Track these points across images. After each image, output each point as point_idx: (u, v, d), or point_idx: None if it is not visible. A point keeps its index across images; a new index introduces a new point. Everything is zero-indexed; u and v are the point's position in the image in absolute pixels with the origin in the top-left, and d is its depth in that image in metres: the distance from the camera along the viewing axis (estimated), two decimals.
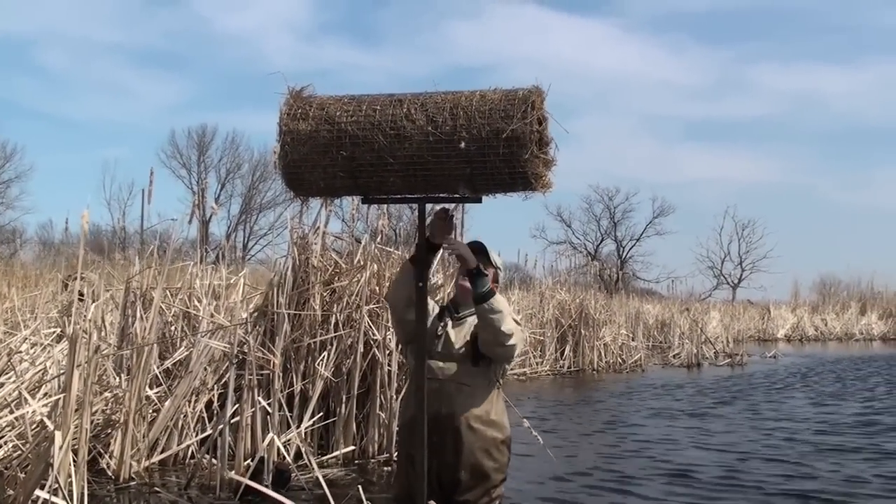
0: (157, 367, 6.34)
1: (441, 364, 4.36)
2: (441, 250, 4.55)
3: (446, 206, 4.34)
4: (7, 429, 5.62)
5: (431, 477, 4.38)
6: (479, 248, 4.70)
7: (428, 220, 4.50)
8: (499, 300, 4.23)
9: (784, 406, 10.71)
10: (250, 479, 5.23)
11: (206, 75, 70.21)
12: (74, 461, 4.99)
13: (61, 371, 5.52)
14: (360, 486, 4.58)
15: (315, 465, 5.47)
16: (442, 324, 4.47)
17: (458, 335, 4.46)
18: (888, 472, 6.65)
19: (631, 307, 20.81)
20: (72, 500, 4.71)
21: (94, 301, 6.37)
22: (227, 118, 79.99)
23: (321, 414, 6.47)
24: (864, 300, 37.51)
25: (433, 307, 4.61)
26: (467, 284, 4.43)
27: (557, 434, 8.36)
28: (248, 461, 5.70)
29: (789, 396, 11.79)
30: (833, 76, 73.25)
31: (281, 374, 6.23)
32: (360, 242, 7.01)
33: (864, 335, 33.37)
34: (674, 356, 19.47)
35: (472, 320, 4.48)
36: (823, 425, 9.03)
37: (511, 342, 4.26)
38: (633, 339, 18.33)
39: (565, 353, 16.22)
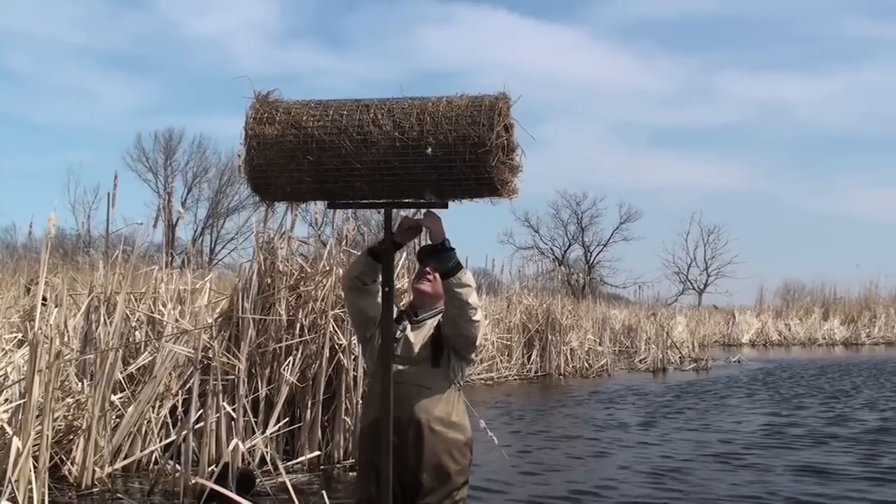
0: (121, 373, 6.28)
1: (400, 367, 4.39)
2: (401, 248, 4.58)
3: (415, 218, 4.38)
4: None
5: (393, 481, 4.39)
6: (434, 249, 4.76)
7: (397, 222, 4.51)
8: (467, 275, 4.29)
9: (731, 416, 10.37)
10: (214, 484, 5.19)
11: (173, 79, 69.64)
12: (35, 467, 4.93)
13: (22, 377, 5.44)
14: (324, 492, 4.57)
15: (283, 469, 5.45)
16: (400, 327, 4.50)
17: (417, 338, 4.50)
18: (797, 492, 6.21)
19: (598, 312, 20.91)
20: None
21: (56, 306, 6.29)
22: (194, 122, 79.68)
23: (286, 419, 6.43)
24: (827, 305, 37.98)
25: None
26: (424, 288, 4.49)
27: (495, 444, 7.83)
28: (213, 467, 5.65)
29: (740, 405, 11.54)
30: (797, 84, 74.20)
31: (246, 380, 6.19)
32: (325, 246, 7.00)
33: (826, 340, 33.78)
34: (640, 361, 19.60)
35: (431, 322, 4.52)
36: (759, 437, 8.68)
37: (477, 318, 4.32)
38: (599, 344, 18.42)
39: (532, 357, 16.27)
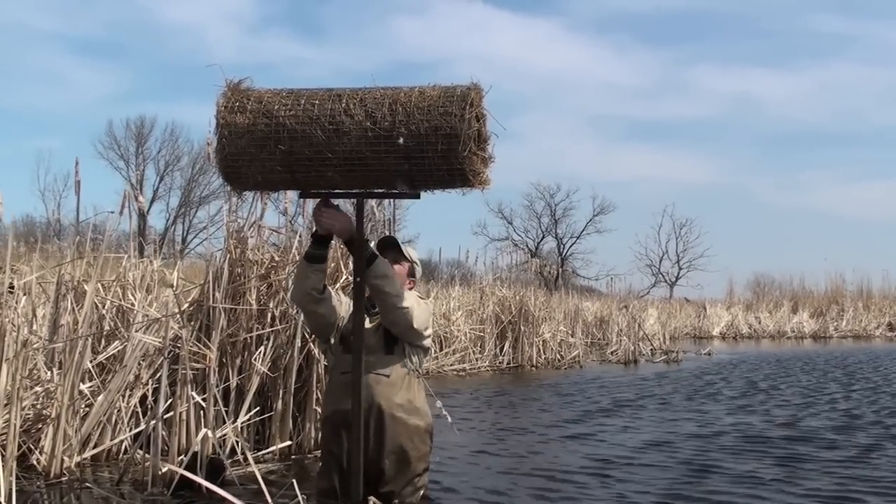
0: (91, 362, 6.24)
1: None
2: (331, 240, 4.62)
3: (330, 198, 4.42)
4: None
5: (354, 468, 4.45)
6: (391, 243, 4.83)
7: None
8: (381, 263, 4.33)
9: (669, 417, 9.34)
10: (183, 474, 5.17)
11: (145, 66, 69.24)
12: (2, 457, 4.90)
13: None
14: (294, 482, 4.57)
15: (252, 460, 5.44)
16: (367, 318, 4.54)
17: (373, 327, 4.55)
18: None
19: (570, 304, 20.98)
20: None
21: (25, 294, 6.24)
22: (166, 110, 79.10)
23: (257, 409, 6.42)
24: (796, 299, 38.36)
25: (348, 303, 4.70)
26: None
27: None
28: (182, 456, 5.64)
29: (681, 404, 10.58)
30: (768, 79, 75.13)
31: (216, 369, 6.17)
32: (297, 234, 6.98)
33: (795, 333, 34.14)
34: (611, 353, 19.71)
35: None
36: (668, 448, 7.33)
37: (403, 304, 4.38)
38: (571, 336, 18.50)
39: (505, 348, 16.32)
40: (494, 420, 9.15)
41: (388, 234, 8.49)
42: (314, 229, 4.50)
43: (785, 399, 11.21)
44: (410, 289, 4.78)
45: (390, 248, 4.76)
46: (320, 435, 5.09)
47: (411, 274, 4.82)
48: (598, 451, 7.14)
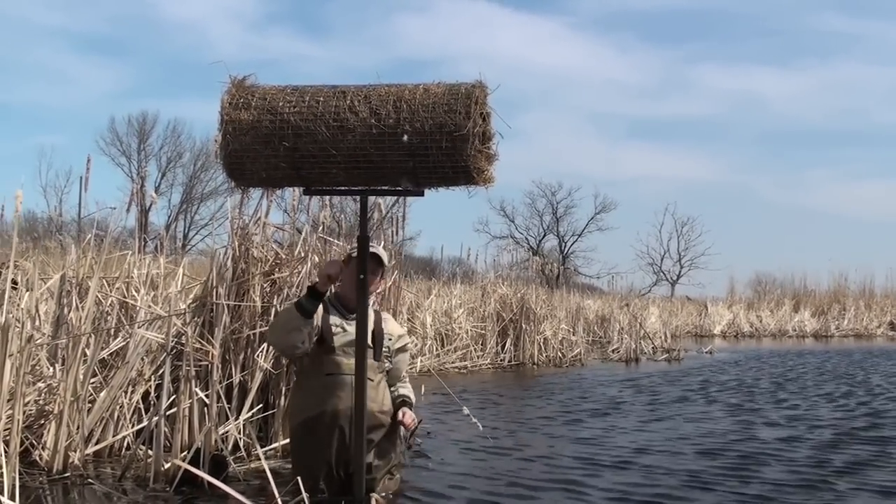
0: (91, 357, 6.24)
1: (346, 360, 4.60)
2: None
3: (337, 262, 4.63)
4: None
5: (338, 468, 4.72)
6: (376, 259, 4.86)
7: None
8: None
9: (652, 427, 8.58)
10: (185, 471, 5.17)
11: (148, 62, 69.24)
12: (6, 452, 4.90)
13: None
14: (299, 478, 4.57)
15: (261, 454, 5.43)
16: (337, 322, 4.70)
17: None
18: None
19: (572, 302, 20.98)
20: (2, 491, 4.64)
21: (28, 290, 6.23)
22: (168, 106, 79.18)
23: (260, 406, 6.43)
24: (798, 298, 38.33)
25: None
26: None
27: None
28: (185, 453, 5.64)
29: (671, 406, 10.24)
30: (772, 78, 75.04)
31: (220, 366, 6.17)
32: (300, 233, 6.97)
33: (796, 332, 34.10)
34: (613, 351, 19.71)
35: (373, 318, 4.72)
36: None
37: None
38: (573, 334, 18.49)
39: (506, 346, 16.32)
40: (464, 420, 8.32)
41: (394, 231, 8.57)
42: (314, 282, 4.63)
43: (780, 410, 10.17)
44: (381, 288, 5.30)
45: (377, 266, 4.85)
46: (296, 437, 5.03)
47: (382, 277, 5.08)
48: (560, 467, 6.40)
